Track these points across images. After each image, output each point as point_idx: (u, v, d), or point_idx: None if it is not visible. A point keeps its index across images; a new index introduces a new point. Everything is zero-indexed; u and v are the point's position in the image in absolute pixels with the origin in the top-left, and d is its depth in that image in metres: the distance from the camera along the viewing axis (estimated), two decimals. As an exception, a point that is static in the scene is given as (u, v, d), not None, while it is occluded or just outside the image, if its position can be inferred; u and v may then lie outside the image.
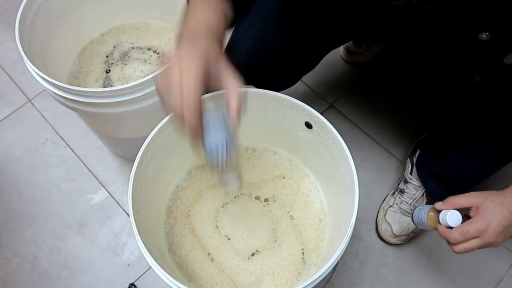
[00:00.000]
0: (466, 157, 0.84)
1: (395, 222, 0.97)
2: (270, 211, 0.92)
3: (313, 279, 0.65)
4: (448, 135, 0.88)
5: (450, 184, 0.91)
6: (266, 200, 0.94)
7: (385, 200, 1.02)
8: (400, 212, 0.98)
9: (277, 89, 0.92)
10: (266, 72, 0.84)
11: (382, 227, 0.99)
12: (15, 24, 0.86)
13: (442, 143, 0.91)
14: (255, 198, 0.94)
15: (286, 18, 0.78)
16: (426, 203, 0.97)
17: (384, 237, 0.98)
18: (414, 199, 0.97)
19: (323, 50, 0.88)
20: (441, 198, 0.93)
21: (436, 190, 0.95)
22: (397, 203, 0.99)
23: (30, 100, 1.22)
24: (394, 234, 0.97)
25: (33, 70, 0.82)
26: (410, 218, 0.97)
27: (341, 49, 1.24)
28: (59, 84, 0.80)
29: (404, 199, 0.98)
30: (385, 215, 0.99)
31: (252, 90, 0.83)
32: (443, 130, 0.91)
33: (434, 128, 0.98)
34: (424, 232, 1.01)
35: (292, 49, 0.81)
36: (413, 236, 0.99)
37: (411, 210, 0.97)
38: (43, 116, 1.19)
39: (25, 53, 0.83)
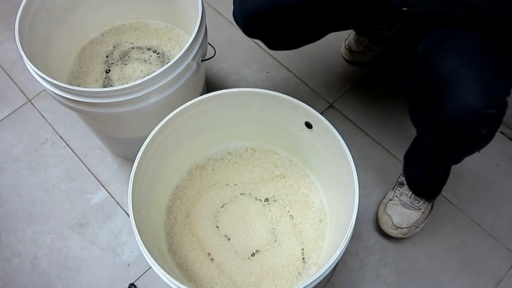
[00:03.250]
0: (424, 164, 0.91)
1: (395, 214, 0.98)
2: (270, 210, 0.92)
3: (313, 279, 0.65)
4: (416, 138, 0.93)
5: (416, 181, 0.96)
6: (266, 200, 0.94)
7: (386, 196, 1.03)
8: (400, 204, 0.98)
9: (280, 47, 0.93)
10: (276, 25, 0.83)
11: (383, 220, 0.99)
12: (15, 24, 0.86)
13: (414, 144, 0.95)
14: (255, 198, 0.94)
15: None
16: (424, 199, 0.99)
17: (385, 229, 0.99)
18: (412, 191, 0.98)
19: (334, 22, 0.89)
20: (416, 194, 0.98)
21: (410, 185, 0.98)
22: (397, 196, 1.00)
23: (30, 100, 1.22)
24: (395, 226, 0.97)
25: (33, 70, 0.82)
26: (410, 211, 0.98)
27: (342, 49, 1.24)
28: (59, 84, 0.80)
29: (404, 191, 0.99)
30: (385, 208, 1.00)
31: (253, 90, 0.83)
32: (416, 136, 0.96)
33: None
34: (424, 232, 1.01)
35: (304, 6, 0.81)
36: (414, 230, 0.99)
37: (411, 203, 0.98)
38: (43, 116, 1.19)
39: (25, 53, 0.83)
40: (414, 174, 0.95)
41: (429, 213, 1.00)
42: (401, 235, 0.98)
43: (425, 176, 0.93)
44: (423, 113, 0.73)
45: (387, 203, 1.00)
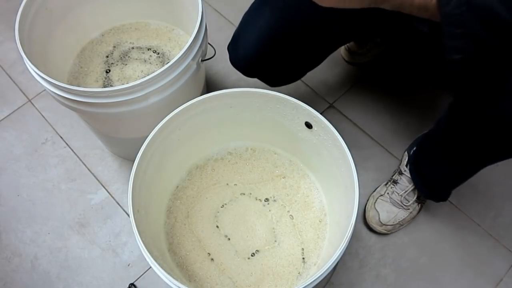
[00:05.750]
0: (444, 164, 0.87)
1: (384, 211, 0.99)
2: (270, 210, 0.92)
3: (313, 279, 0.65)
4: (434, 140, 0.90)
5: (430, 185, 0.94)
6: (266, 200, 0.94)
7: (377, 190, 1.03)
8: (390, 202, 0.99)
9: (280, 84, 0.94)
10: (271, 65, 0.84)
11: (370, 214, 1.00)
12: (15, 24, 0.86)
13: (429, 146, 0.93)
14: (255, 198, 0.94)
15: (293, 10, 0.78)
16: (417, 197, 0.99)
17: (371, 224, 1.00)
18: (405, 191, 0.98)
19: (328, 47, 0.89)
20: (425, 195, 0.97)
21: (421, 188, 0.97)
22: (388, 193, 1.00)
23: (30, 100, 1.22)
24: (381, 222, 0.98)
25: (33, 70, 0.82)
26: (398, 209, 0.99)
27: (342, 50, 1.24)
28: (59, 84, 0.80)
29: (396, 190, 0.99)
30: (375, 203, 1.01)
31: (253, 90, 0.83)
32: (432, 133, 0.92)
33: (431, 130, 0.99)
34: (424, 232, 1.01)
35: (298, 42, 0.81)
36: (398, 228, 1.00)
37: (401, 202, 0.98)
38: (43, 116, 1.19)
39: (25, 53, 0.83)
40: (431, 178, 0.92)
41: (417, 213, 1.01)
42: (384, 231, 1.00)
43: (450, 181, 0.90)
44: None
45: (377, 198, 1.01)
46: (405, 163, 1.01)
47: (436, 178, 0.92)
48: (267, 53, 0.82)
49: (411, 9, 0.54)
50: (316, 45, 0.84)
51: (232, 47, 0.86)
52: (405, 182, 0.99)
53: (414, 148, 1.00)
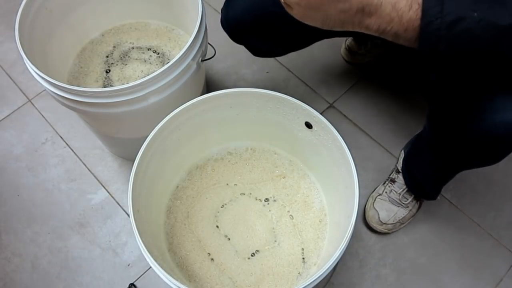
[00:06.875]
0: (430, 164, 0.88)
1: (383, 209, 0.99)
2: (270, 210, 0.92)
3: (313, 279, 0.65)
4: (422, 140, 0.90)
5: (419, 183, 0.95)
6: (266, 200, 0.94)
7: (376, 190, 1.04)
8: (389, 200, 0.99)
9: (264, 55, 0.94)
10: (258, 33, 0.85)
11: (370, 214, 1.00)
12: (15, 24, 0.86)
13: (418, 146, 0.93)
14: (255, 198, 0.94)
15: None
16: (413, 197, 0.99)
17: (371, 223, 1.00)
18: (403, 190, 0.98)
19: (316, 34, 0.88)
20: (415, 194, 0.98)
21: (411, 188, 0.98)
22: (386, 192, 1.00)
23: (30, 100, 1.22)
24: (381, 221, 0.98)
25: (33, 70, 0.82)
26: (398, 208, 0.98)
27: (342, 50, 1.24)
28: (59, 84, 0.80)
29: (394, 189, 0.99)
30: (373, 202, 1.01)
31: (253, 90, 0.83)
32: (421, 134, 0.92)
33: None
34: (424, 232, 1.01)
35: (286, 20, 0.81)
36: (399, 227, 1.00)
37: (399, 200, 0.98)
38: (43, 116, 1.19)
39: (25, 53, 0.83)
40: (418, 177, 0.94)
41: (417, 211, 1.01)
42: (385, 231, 1.00)
43: (435, 180, 0.91)
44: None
45: (376, 197, 1.01)
46: (402, 161, 1.01)
47: (423, 177, 0.93)
48: (253, 21, 0.82)
49: (388, 31, 0.53)
50: (303, 29, 0.85)
51: (224, 9, 0.87)
52: (402, 181, 0.99)
53: (409, 147, 1.01)
